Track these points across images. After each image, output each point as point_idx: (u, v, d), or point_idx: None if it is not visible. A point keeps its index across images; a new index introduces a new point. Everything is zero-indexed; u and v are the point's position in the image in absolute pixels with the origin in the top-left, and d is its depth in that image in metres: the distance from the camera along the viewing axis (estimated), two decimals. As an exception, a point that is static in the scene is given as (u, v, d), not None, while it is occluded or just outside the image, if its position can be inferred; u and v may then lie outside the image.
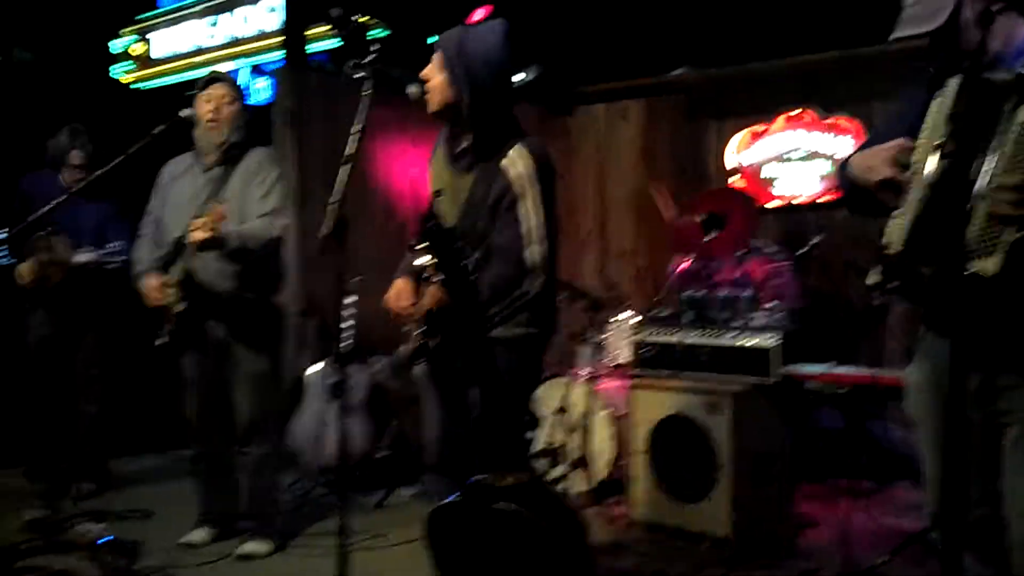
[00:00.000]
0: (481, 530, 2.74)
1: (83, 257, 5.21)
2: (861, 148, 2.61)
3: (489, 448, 2.89)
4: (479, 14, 6.36)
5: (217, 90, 4.48)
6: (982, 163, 2.17)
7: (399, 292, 3.35)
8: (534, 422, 5.36)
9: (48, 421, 5.49)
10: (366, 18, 6.88)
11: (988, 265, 2.14)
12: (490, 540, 2.73)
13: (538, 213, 3.25)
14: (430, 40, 3.52)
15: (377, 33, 8.24)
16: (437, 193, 3.08)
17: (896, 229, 2.34)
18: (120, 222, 5.45)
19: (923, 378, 2.57)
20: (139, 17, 10.98)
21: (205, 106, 4.45)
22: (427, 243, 2.69)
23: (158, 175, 4.69)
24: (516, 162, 3.27)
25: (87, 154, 5.57)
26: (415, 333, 3.27)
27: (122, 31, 11.07)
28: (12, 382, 5.74)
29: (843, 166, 2.60)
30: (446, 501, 2.91)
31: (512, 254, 3.22)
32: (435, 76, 3.36)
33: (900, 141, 2.40)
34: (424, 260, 2.75)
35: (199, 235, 4.11)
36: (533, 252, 3.23)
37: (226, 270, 4.38)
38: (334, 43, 8.27)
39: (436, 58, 3.37)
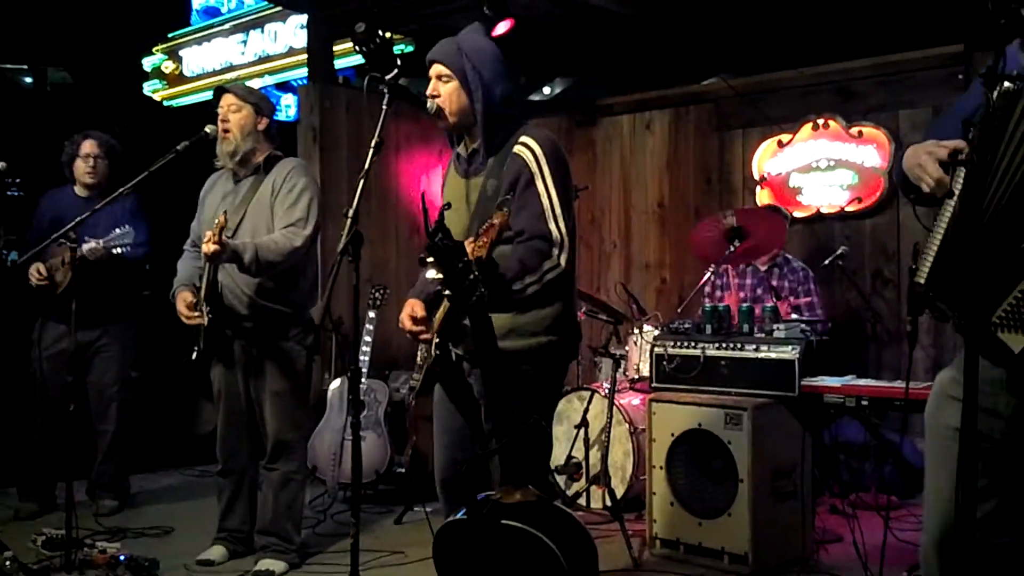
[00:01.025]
0: (487, 548, 2.71)
1: (87, 247, 4.99)
2: (925, 136, 2.44)
3: (505, 465, 2.84)
4: (503, 27, 6.35)
5: (224, 101, 4.50)
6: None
7: (411, 312, 3.31)
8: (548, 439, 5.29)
9: (44, 439, 5.46)
10: (390, 34, 6.89)
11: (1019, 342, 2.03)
12: (496, 558, 2.70)
13: (556, 191, 3.22)
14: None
15: (402, 48, 8.29)
16: (446, 206, 3.06)
17: (927, 254, 2.24)
18: (139, 215, 5.36)
19: (947, 386, 2.48)
20: (171, 35, 11.11)
21: (219, 120, 4.48)
22: (434, 257, 2.66)
23: (200, 193, 4.74)
24: (527, 145, 3.27)
25: (101, 143, 5.55)
26: (424, 358, 3.25)
27: (154, 49, 11.21)
28: (13, 398, 5.74)
29: (900, 156, 2.46)
30: (453, 519, 2.89)
31: (536, 229, 3.18)
32: (444, 87, 3.36)
33: (957, 143, 2.23)
34: (432, 275, 2.72)
35: (206, 248, 4.09)
36: (557, 226, 3.20)
37: (251, 281, 4.35)
38: (360, 59, 8.30)
39: (438, 70, 3.37)
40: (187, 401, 7.31)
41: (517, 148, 3.29)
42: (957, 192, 2.18)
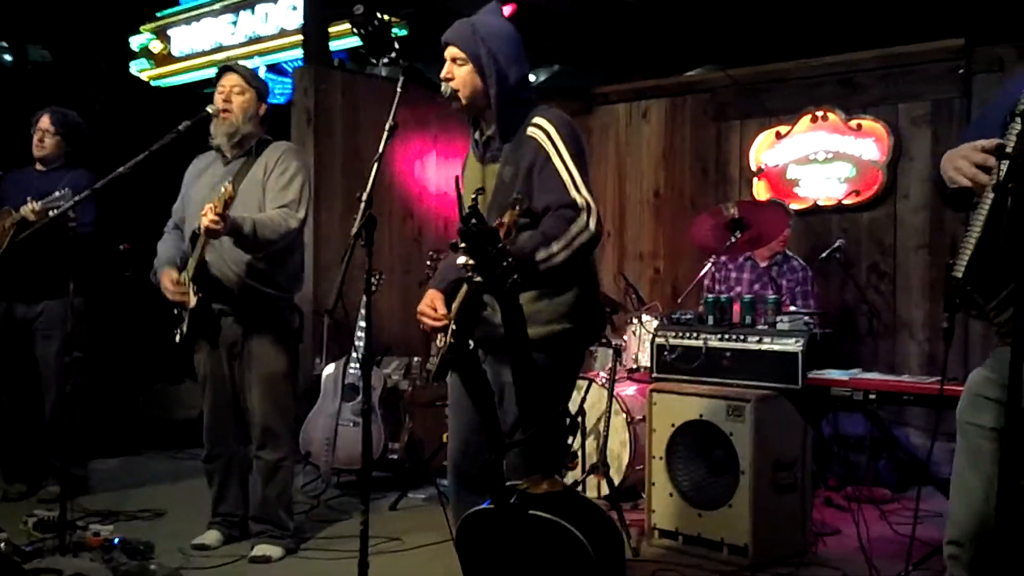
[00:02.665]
0: (514, 538, 2.66)
1: (25, 208, 4.94)
2: (962, 139, 2.39)
3: (532, 455, 2.78)
4: (504, 13, 6.28)
5: (228, 80, 4.43)
6: None
7: (432, 304, 3.24)
8: (574, 426, 5.24)
9: (13, 418, 5.42)
10: (388, 17, 6.81)
11: None
12: (523, 548, 2.65)
13: (574, 164, 3.16)
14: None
15: (397, 32, 8.20)
16: (479, 191, 2.99)
17: (964, 248, 2.19)
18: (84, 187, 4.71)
19: (981, 386, 2.45)
20: (159, 14, 10.97)
21: (218, 97, 4.41)
22: (467, 243, 2.60)
23: (185, 173, 4.65)
24: (539, 126, 3.22)
25: (54, 119, 5.44)
26: (439, 344, 3.20)
27: (142, 28, 11.07)
28: None
29: (938, 160, 2.42)
30: (479, 508, 2.82)
31: (560, 200, 3.11)
32: (458, 70, 3.30)
33: (993, 141, 2.18)
34: (463, 260, 2.66)
35: (208, 219, 3.97)
36: (580, 193, 3.13)
37: (241, 261, 4.28)
38: (354, 41, 8.21)
39: (452, 53, 3.30)
40: (173, 383, 7.26)
41: (530, 131, 3.23)
42: (991, 183, 2.14)
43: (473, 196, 2.78)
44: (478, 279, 2.62)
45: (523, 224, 3.04)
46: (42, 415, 5.33)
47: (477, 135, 3.44)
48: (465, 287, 3.00)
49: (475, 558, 2.79)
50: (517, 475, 2.77)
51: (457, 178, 2.89)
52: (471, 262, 2.59)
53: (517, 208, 2.86)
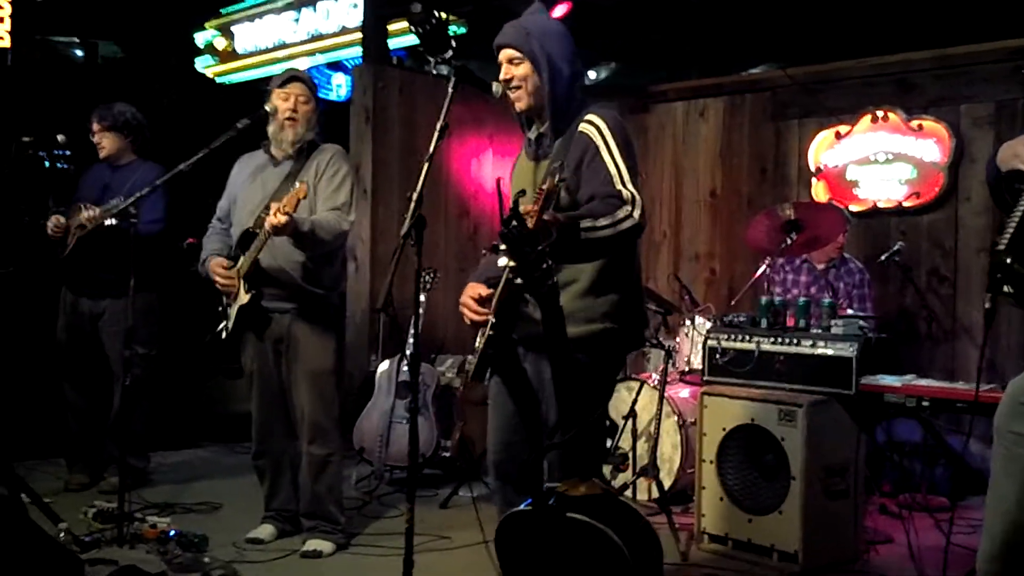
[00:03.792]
0: (551, 540, 2.68)
1: (85, 213, 5.15)
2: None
3: (570, 457, 2.80)
4: (560, 11, 6.30)
5: (295, 88, 4.50)
6: None
7: (474, 294, 3.27)
8: (613, 428, 5.26)
9: (79, 411, 5.56)
10: (445, 15, 6.86)
11: None
12: (561, 551, 2.67)
13: (623, 159, 3.18)
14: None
15: (455, 30, 8.24)
16: (520, 193, 3.02)
17: (1008, 226, 2.22)
18: (151, 183, 4.67)
19: (1021, 393, 2.43)
20: (224, 11, 11.13)
21: (283, 103, 4.48)
22: (507, 245, 2.63)
23: (231, 171, 4.72)
24: (591, 122, 3.25)
25: (101, 117, 5.55)
26: (481, 342, 3.22)
27: (207, 24, 11.24)
28: (47, 372, 5.74)
29: (994, 152, 2.45)
30: (517, 509, 2.85)
31: (605, 191, 3.12)
32: (516, 69, 3.32)
33: None
34: (503, 262, 2.69)
35: (277, 218, 4.06)
36: (626, 187, 3.13)
37: (292, 259, 4.37)
38: (413, 39, 8.26)
39: (508, 54, 3.32)
40: (231, 377, 7.36)
41: (582, 127, 3.26)
42: None
43: (514, 198, 2.80)
44: (519, 280, 2.64)
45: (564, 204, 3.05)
46: (110, 409, 5.46)
47: (531, 133, 3.46)
48: (503, 283, 3.01)
49: (513, 559, 2.81)
50: (556, 475, 2.78)
51: (499, 179, 2.91)
52: (512, 263, 2.62)
53: (557, 176, 2.87)
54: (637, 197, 3.14)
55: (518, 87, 3.31)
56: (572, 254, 3.04)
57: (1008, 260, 2.20)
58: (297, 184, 4.20)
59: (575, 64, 3.36)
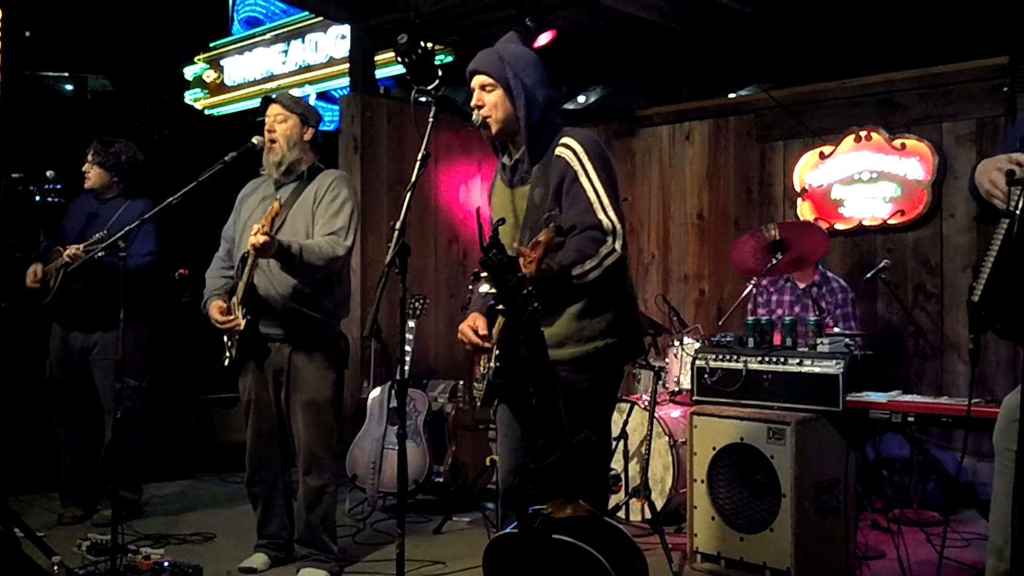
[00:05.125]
0: (538, 562, 2.70)
1: (70, 250, 5.17)
2: (999, 150, 2.45)
3: (556, 479, 2.83)
4: (544, 38, 6.36)
5: (272, 110, 4.53)
6: None
7: (473, 325, 3.30)
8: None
9: (71, 445, 5.56)
10: (431, 45, 6.92)
11: None
12: (547, 572, 2.69)
13: (601, 184, 3.23)
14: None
15: (442, 59, 8.32)
16: (500, 221, 3.07)
17: (982, 271, 2.23)
18: (146, 223, 4.74)
19: (1014, 411, 2.45)
20: (213, 44, 11.22)
21: (264, 129, 4.52)
22: (487, 273, 2.68)
23: (237, 197, 4.76)
24: (567, 146, 3.30)
25: (96, 151, 5.56)
26: (483, 369, 3.25)
27: (196, 58, 11.33)
28: (39, 407, 5.76)
29: (973, 170, 2.46)
30: (504, 532, 2.89)
31: (587, 222, 3.18)
32: (488, 96, 3.37)
33: (1021, 155, 2.23)
34: (486, 289, 2.74)
35: (256, 238, 4.07)
36: (607, 216, 3.20)
37: (288, 284, 4.36)
38: (399, 69, 8.34)
39: (481, 81, 3.38)
40: (224, 407, 7.38)
41: (559, 151, 3.31)
42: (1017, 210, 2.16)
43: (493, 226, 2.84)
44: (500, 307, 2.69)
45: (557, 243, 3.11)
46: (102, 442, 5.46)
47: (505, 159, 3.50)
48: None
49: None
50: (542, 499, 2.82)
51: (479, 209, 2.96)
52: (493, 291, 2.66)
53: (552, 225, 2.93)
54: (617, 226, 3.20)
55: (488, 115, 3.36)
56: (562, 297, 3.16)
57: (984, 312, 2.22)
58: (276, 201, 4.22)
59: (549, 90, 3.41)
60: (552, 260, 2.97)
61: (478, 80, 3.40)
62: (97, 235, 5.13)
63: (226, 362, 4.51)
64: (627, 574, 2.62)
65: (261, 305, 4.40)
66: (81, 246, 5.15)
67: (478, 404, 3.39)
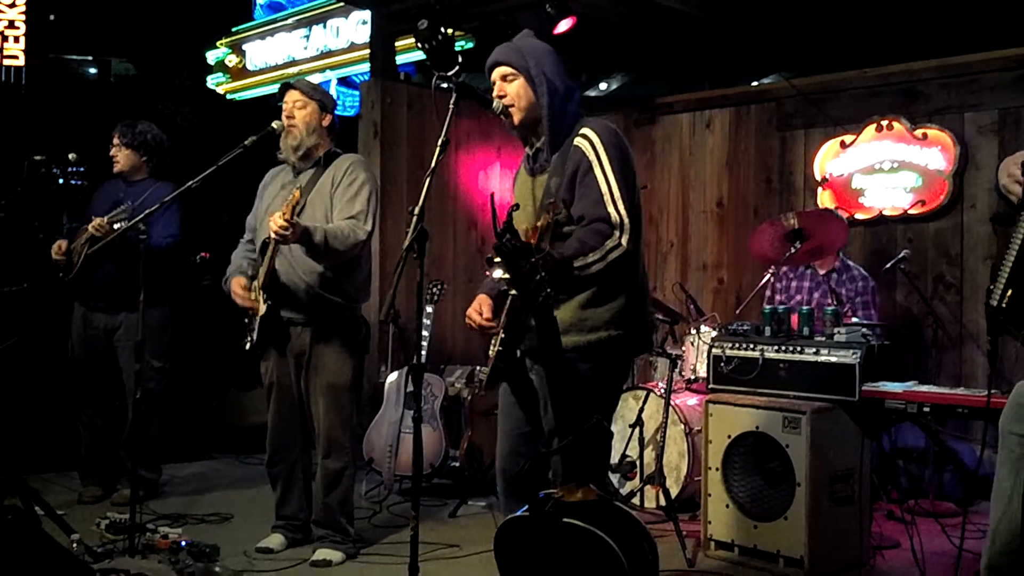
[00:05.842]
0: (548, 546, 2.73)
1: (95, 222, 5.18)
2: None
3: (567, 464, 2.86)
4: (565, 25, 6.34)
5: (289, 96, 4.56)
6: None
7: (480, 307, 3.34)
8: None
9: (92, 424, 5.61)
10: (452, 31, 6.92)
11: None
12: (558, 556, 2.72)
13: (615, 177, 3.25)
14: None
15: (463, 45, 8.31)
16: (515, 207, 3.09)
17: (1000, 275, 2.22)
18: (170, 204, 4.74)
19: (1020, 397, 2.45)
20: (235, 29, 11.25)
21: (283, 114, 4.55)
22: (501, 258, 2.70)
23: (259, 185, 4.79)
24: (586, 136, 3.32)
25: (122, 133, 5.60)
26: (491, 353, 3.28)
27: (218, 42, 11.36)
28: (60, 387, 5.81)
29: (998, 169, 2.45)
30: (515, 515, 2.91)
31: (595, 214, 3.21)
32: (509, 86, 3.39)
33: None
34: (499, 274, 2.76)
35: (277, 224, 4.09)
36: (616, 210, 3.21)
37: (310, 269, 4.39)
38: (421, 55, 8.34)
39: (502, 71, 3.41)
40: (244, 389, 7.43)
41: (577, 140, 3.33)
42: None
43: (508, 211, 2.86)
44: (512, 292, 2.71)
45: (565, 229, 3.12)
46: (123, 422, 5.52)
47: (528, 148, 3.53)
48: (510, 299, 3.09)
49: (512, 565, 2.86)
50: (559, 482, 2.84)
51: (492, 195, 2.98)
52: (506, 276, 2.68)
53: (551, 212, 2.95)
54: (626, 221, 3.21)
55: (511, 104, 3.38)
56: (564, 288, 3.17)
57: (1002, 318, 2.22)
58: (296, 190, 4.25)
59: (568, 81, 3.43)
60: (553, 249, 2.98)
61: (499, 71, 3.43)
62: (122, 206, 5.15)
63: (247, 345, 4.54)
64: (637, 558, 2.63)
65: (282, 291, 4.43)
66: (106, 218, 5.16)
67: (482, 388, 3.43)
